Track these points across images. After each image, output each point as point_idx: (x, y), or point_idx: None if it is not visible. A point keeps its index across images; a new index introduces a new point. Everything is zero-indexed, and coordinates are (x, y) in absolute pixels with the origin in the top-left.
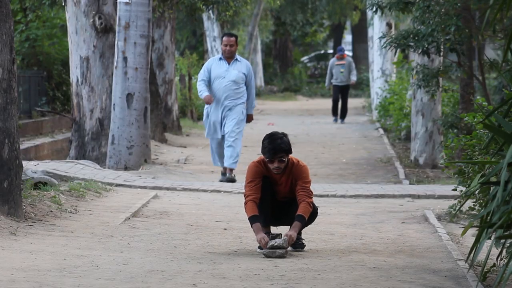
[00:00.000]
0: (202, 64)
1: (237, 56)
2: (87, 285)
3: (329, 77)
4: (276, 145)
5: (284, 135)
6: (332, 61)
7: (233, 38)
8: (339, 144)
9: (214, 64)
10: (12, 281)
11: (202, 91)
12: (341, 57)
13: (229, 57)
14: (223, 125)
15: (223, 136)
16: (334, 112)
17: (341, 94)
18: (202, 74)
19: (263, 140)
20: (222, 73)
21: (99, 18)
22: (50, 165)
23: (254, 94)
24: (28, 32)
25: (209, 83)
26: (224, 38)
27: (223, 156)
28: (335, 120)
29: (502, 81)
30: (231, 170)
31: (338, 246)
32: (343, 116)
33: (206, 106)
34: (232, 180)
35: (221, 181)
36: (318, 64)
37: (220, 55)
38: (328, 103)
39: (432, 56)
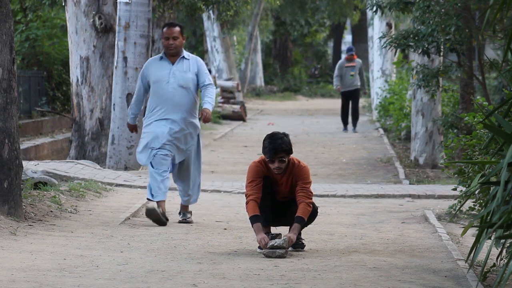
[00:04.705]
0: None
1: (185, 53)
2: (87, 285)
3: (338, 78)
4: (277, 145)
5: (285, 135)
6: (341, 62)
7: (176, 29)
8: (339, 144)
9: (152, 66)
10: (12, 281)
11: (129, 112)
12: (351, 58)
13: (173, 54)
14: (174, 145)
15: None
16: (344, 121)
17: (351, 99)
18: (138, 83)
19: (264, 140)
20: (165, 77)
21: (99, 18)
22: (50, 165)
23: (214, 92)
24: (28, 32)
25: (149, 91)
26: (165, 30)
27: (172, 181)
28: (345, 129)
29: (502, 81)
30: (187, 207)
31: (338, 246)
32: (354, 123)
33: (144, 123)
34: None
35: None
36: (318, 64)
37: (161, 54)
38: (328, 103)
39: (432, 56)
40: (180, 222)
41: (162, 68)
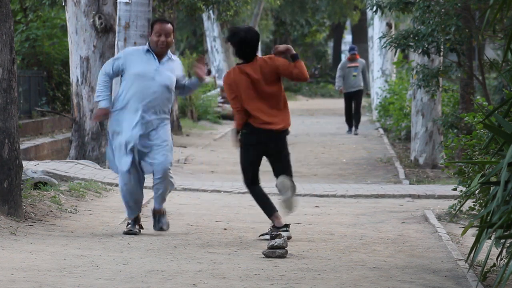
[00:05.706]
0: None
1: (169, 53)
2: (87, 285)
3: (340, 79)
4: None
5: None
6: (344, 62)
7: (169, 26)
8: (339, 144)
9: (136, 56)
10: (12, 281)
11: (100, 94)
12: (353, 58)
13: (161, 53)
14: (143, 152)
15: (140, 166)
16: (349, 122)
17: (354, 100)
18: (108, 66)
19: (231, 39)
20: (151, 73)
21: (99, 18)
22: (50, 165)
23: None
24: (28, 32)
25: (125, 84)
26: (156, 26)
27: (140, 201)
28: (350, 131)
29: (502, 81)
30: (161, 210)
31: (338, 246)
32: (356, 125)
33: (112, 120)
34: (162, 229)
35: (128, 232)
36: (318, 64)
37: (147, 46)
38: (328, 103)
39: (432, 56)
40: (159, 229)
41: (148, 63)
